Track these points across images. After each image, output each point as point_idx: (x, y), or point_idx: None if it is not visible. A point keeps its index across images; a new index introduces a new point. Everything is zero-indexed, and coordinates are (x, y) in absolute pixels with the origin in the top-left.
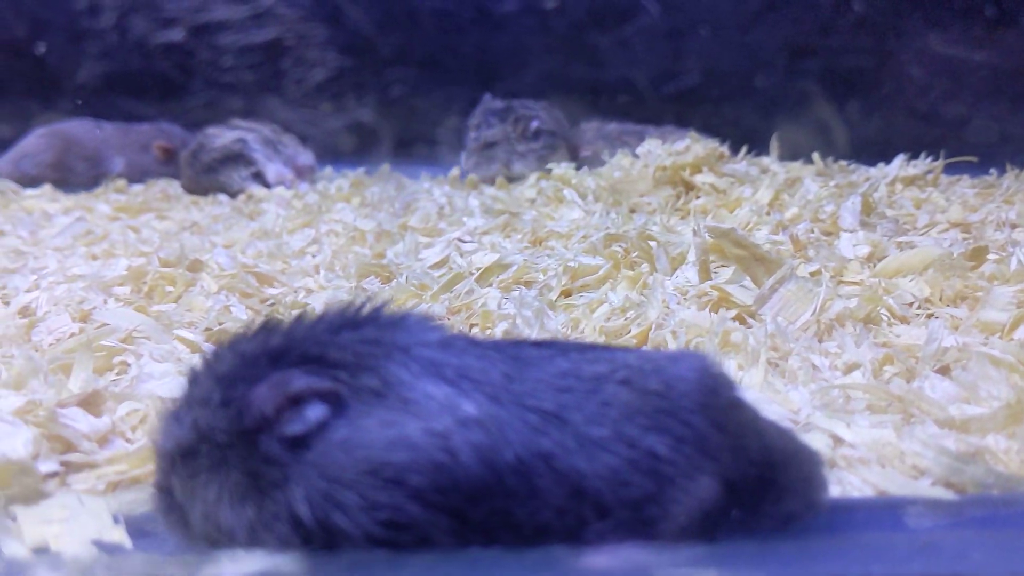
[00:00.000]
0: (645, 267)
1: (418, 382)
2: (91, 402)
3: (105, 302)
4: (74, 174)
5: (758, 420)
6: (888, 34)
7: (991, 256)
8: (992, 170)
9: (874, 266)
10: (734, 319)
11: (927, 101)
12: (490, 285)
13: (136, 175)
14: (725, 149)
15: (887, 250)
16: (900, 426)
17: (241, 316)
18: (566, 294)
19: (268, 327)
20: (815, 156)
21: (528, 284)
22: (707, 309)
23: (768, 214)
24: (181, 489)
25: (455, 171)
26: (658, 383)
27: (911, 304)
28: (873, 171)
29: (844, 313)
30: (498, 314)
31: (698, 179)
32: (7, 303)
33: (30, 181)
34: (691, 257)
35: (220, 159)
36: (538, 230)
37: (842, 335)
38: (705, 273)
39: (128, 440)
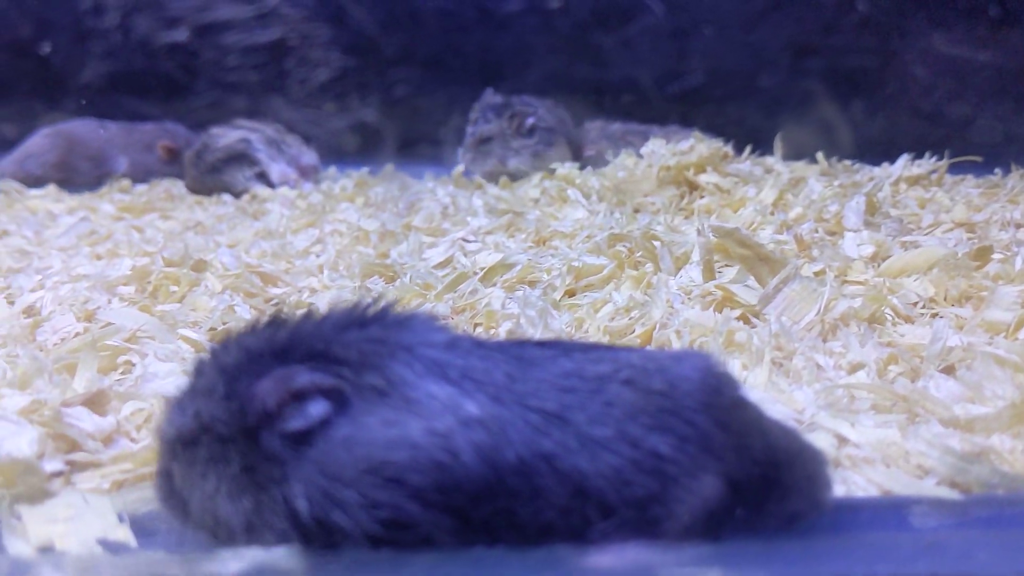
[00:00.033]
0: (649, 267)
1: (421, 382)
2: (96, 401)
3: (109, 302)
4: (78, 174)
5: (762, 419)
6: (892, 33)
7: (996, 256)
8: (997, 170)
9: (878, 266)
10: (738, 319)
11: (931, 101)
12: (494, 285)
13: (140, 175)
14: (729, 149)
15: (891, 250)
16: (905, 426)
17: (245, 316)
18: (570, 294)
19: (275, 322)
20: (819, 156)
21: (532, 284)
22: (711, 309)
23: (772, 214)
24: (181, 477)
25: (459, 170)
26: (662, 383)
27: (915, 304)
28: (877, 171)
29: (848, 313)
30: (502, 314)
31: (702, 179)
32: (12, 303)
33: (34, 181)
34: (695, 257)
35: (224, 159)
36: (542, 230)
37: (846, 335)
38: (709, 273)
39: (133, 439)
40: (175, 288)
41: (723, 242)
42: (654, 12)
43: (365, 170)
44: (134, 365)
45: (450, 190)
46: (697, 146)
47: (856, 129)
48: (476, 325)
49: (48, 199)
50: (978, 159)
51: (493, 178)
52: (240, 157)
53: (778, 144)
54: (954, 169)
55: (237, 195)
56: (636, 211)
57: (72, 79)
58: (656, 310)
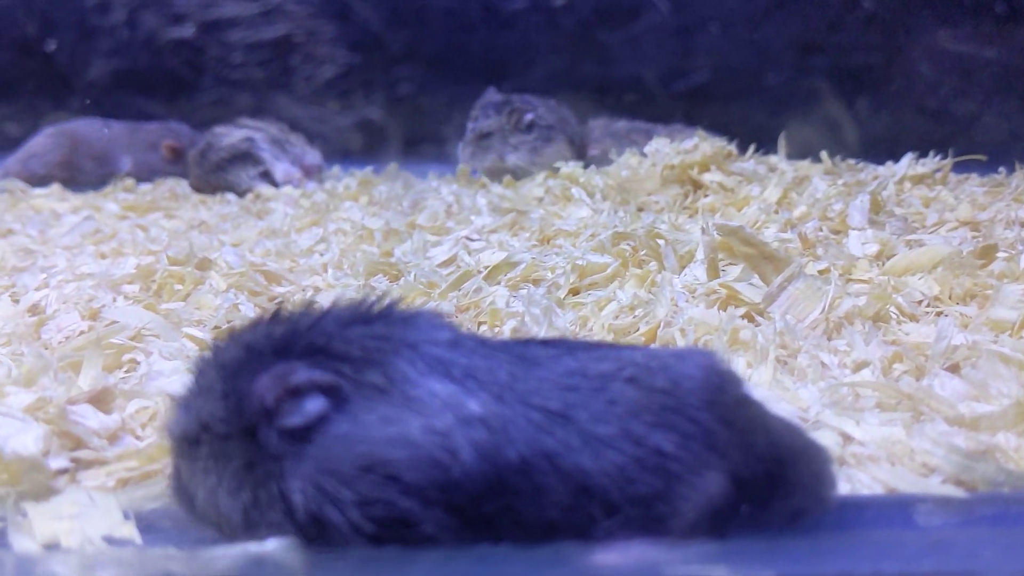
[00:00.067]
0: (653, 265)
1: (423, 379)
2: (101, 399)
3: (114, 300)
4: (82, 173)
5: (766, 416)
6: (897, 31)
7: (1000, 254)
8: (1001, 168)
9: (883, 264)
10: (743, 317)
11: (936, 99)
12: (498, 283)
13: (144, 174)
14: (733, 148)
15: (896, 248)
16: (910, 424)
17: (250, 314)
18: (574, 292)
19: (275, 319)
20: (823, 155)
21: (536, 282)
22: (716, 307)
23: (776, 212)
24: (187, 474)
25: (464, 168)
26: (665, 381)
27: (920, 302)
28: (881, 169)
29: (853, 311)
30: (506, 312)
31: (706, 178)
32: (17, 301)
33: (39, 180)
34: (699, 255)
35: (228, 158)
36: (546, 228)
37: (851, 333)
38: (713, 271)
39: (138, 437)
40: (179, 286)
41: (727, 240)
42: (659, 10)
43: (369, 169)
44: (139, 363)
45: (454, 189)
46: (701, 145)
47: (861, 127)
48: (480, 323)
49: (52, 198)
50: (982, 158)
51: (494, 175)
52: (244, 156)
53: (782, 143)
54: (958, 168)
55: (241, 194)
56: (640, 210)
57: (77, 77)
58: (660, 308)
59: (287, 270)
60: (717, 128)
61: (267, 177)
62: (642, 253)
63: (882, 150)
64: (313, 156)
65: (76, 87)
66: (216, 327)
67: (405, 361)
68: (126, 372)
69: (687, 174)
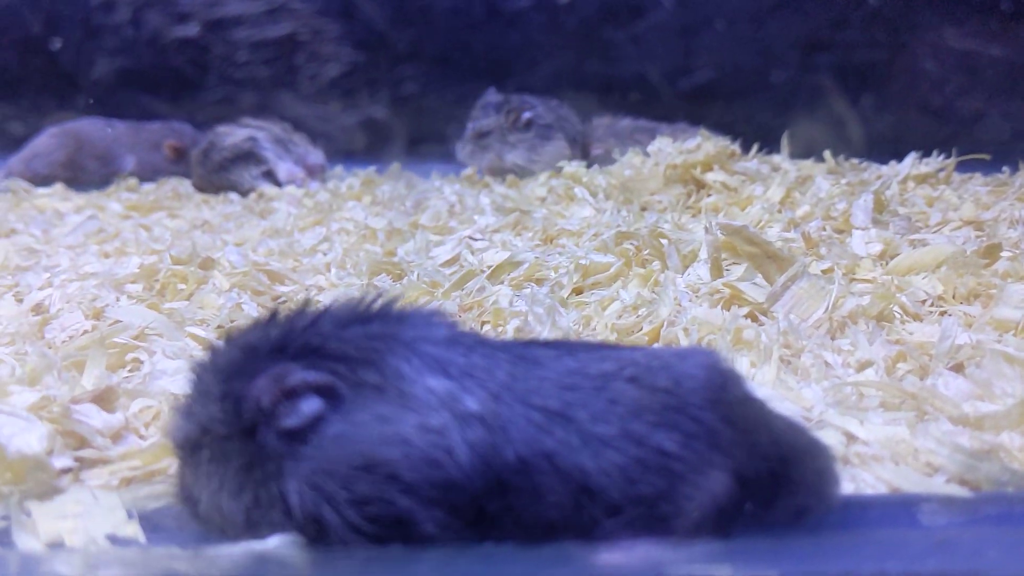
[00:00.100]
0: (656, 265)
1: (420, 377)
2: (104, 398)
3: (118, 299)
4: (86, 173)
5: (768, 415)
6: (901, 29)
7: (1004, 253)
8: (1005, 168)
9: (886, 264)
10: (746, 316)
11: (940, 97)
12: (501, 283)
13: (147, 174)
14: (736, 147)
15: (899, 248)
16: (914, 423)
17: (253, 313)
18: (578, 291)
19: (271, 320)
20: (827, 154)
21: (539, 282)
22: (719, 306)
23: (780, 212)
24: (190, 477)
25: (469, 170)
26: (667, 380)
27: (924, 301)
28: (885, 169)
29: (857, 310)
30: (510, 311)
31: (709, 177)
32: (20, 301)
33: (42, 180)
34: (703, 255)
35: (231, 158)
36: (549, 228)
37: (855, 332)
38: (717, 270)
39: (141, 436)
40: (183, 286)
41: (731, 240)
42: (663, 9)
43: (372, 168)
44: (142, 362)
45: (457, 188)
46: (704, 144)
47: (864, 126)
48: (484, 323)
49: (56, 198)
50: (986, 157)
51: (495, 174)
52: (247, 156)
53: (785, 142)
54: (962, 167)
55: (244, 194)
56: (643, 209)
57: (81, 76)
58: (664, 308)
59: (290, 270)
60: (720, 127)
61: (270, 177)
62: (645, 253)
63: (886, 149)
64: (316, 156)
65: (80, 86)
66: (219, 326)
67: (401, 359)
68: (129, 371)
69: (690, 173)
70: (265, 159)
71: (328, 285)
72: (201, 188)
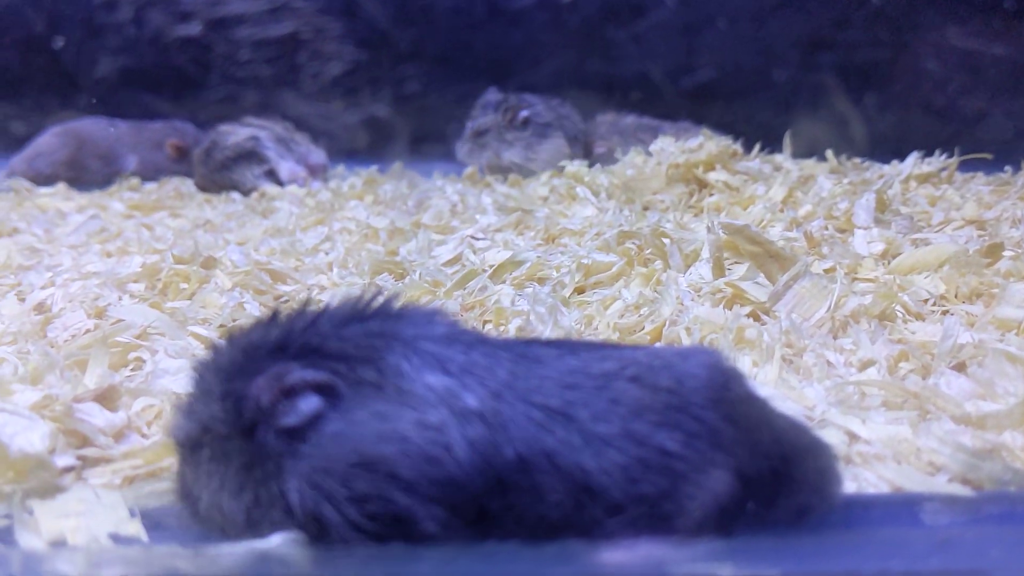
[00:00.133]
0: (659, 264)
1: (418, 374)
2: (107, 397)
3: (120, 299)
4: (88, 172)
5: (770, 413)
6: (903, 28)
7: (1007, 253)
8: (1007, 167)
9: (889, 263)
10: (748, 316)
11: (942, 96)
12: (503, 282)
13: (149, 173)
14: (738, 147)
15: (902, 247)
16: (916, 422)
17: (255, 313)
18: (579, 291)
19: (272, 320)
20: (829, 153)
21: (541, 281)
22: (721, 306)
23: (782, 211)
24: (190, 477)
25: (471, 169)
26: (669, 379)
27: (926, 301)
28: (887, 168)
29: (859, 310)
30: (511, 311)
31: (711, 177)
32: (23, 300)
33: (44, 179)
34: (705, 254)
35: (233, 157)
36: (551, 227)
37: (857, 332)
38: (719, 270)
39: (144, 435)
40: (185, 285)
41: (733, 239)
42: (665, 7)
43: (374, 168)
44: (144, 361)
45: (459, 188)
46: (706, 144)
47: (866, 125)
48: (485, 322)
49: (58, 197)
50: (988, 156)
51: (494, 173)
52: (249, 155)
53: (787, 142)
54: (964, 166)
55: (246, 193)
56: (645, 209)
57: (83, 75)
58: (666, 307)
59: (292, 269)
60: (722, 126)
61: (272, 176)
62: (647, 252)
63: (888, 148)
64: (318, 155)
65: (82, 85)
66: (221, 325)
67: (400, 357)
68: (132, 370)
69: (692, 173)
70: (267, 158)
71: (330, 284)
72: (203, 187)
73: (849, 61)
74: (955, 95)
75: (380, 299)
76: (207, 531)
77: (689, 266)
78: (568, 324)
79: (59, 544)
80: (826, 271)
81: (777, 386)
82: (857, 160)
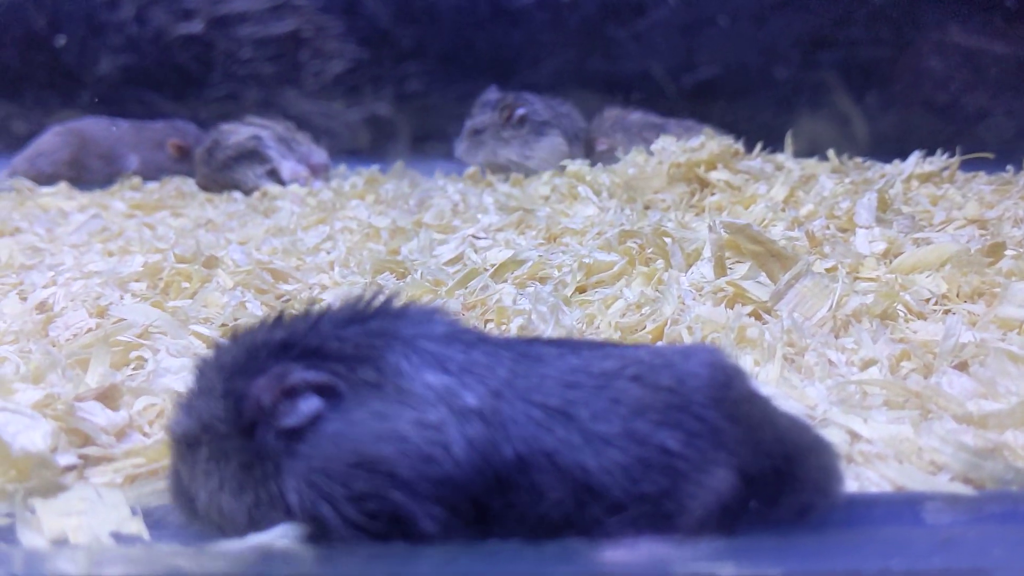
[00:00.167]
0: (660, 263)
1: (418, 373)
2: (108, 396)
3: (121, 298)
4: (89, 172)
5: (772, 412)
6: (905, 27)
7: (1008, 252)
8: (1009, 166)
9: (890, 262)
10: (750, 315)
11: (944, 96)
12: (505, 281)
13: (151, 172)
14: (740, 146)
15: (903, 246)
16: (918, 422)
17: (257, 312)
18: (581, 290)
19: (276, 321)
20: (830, 153)
21: (543, 280)
22: (723, 305)
23: (783, 211)
24: (187, 475)
25: (472, 168)
26: (670, 379)
27: (928, 300)
28: (889, 168)
29: (860, 309)
30: (513, 310)
31: (713, 176)
32: (25, 299)
33: (46, 179)
34: (706, 253)
35: (235, 156)
36: (552, 227)
37: (859, 331)
38: (721, 269)
39: (145, 434)
40: (187, 284)
41: (734, 238)
42: (666, 6)
43: (375, 167)
44: (146, 360)
45: (460, 187)
46: (707, 143)
47: (868, 125)
48: (487, 321)
49: (60, 196)
50: (990, 156)
51: (494, 171)
52: (251, 154)
53: (789, 141)
54: (966, 166)
55: (248, 192)
56: (647, 208)
57: (85, 74)
58: (667, 306)
59: (294, 268)
60: (724, 125)
61: (274, 175)
62: (649, 251)
63: (889, 148)
64: (319, 155)
65: (84, 84)
66: (223, 324)
67: (400, 356)
68: (133, 369)
69: (694, 172)
70: (269, 158)
71: (332, 283)
72: (205, 187)
73: (851, 60)
74: (957, 94)
75: (381, 298)
76: (201, 528)
77: (691, 265)
78: (570, 323)
79: (61, 543)
80: (828, 270)
81: (779, 385)
82: (859, 159)
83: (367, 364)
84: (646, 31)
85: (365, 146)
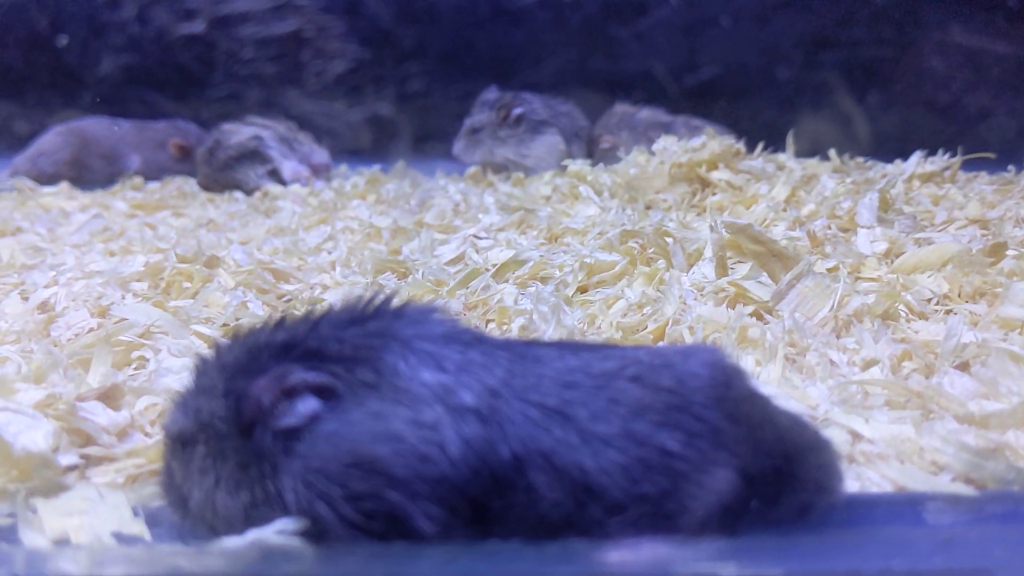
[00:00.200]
0: (661, 263)
1: (415, 373)
2: (110, 396)
3: (123, 298)
4: (91, 172)
5: (773, 411)
6: (907, 27)
7: (1010, 252)
8: (1010, 166)
9: (892, 262)
10: (751, 315)
11: (945, 96)
12: (506, 281)
13: (152, 172)
14: (741, 146)
15: (905, 246)
16: (919, 422)
17: (258, 312)
18: (582, 290)
19: (277, 323)
20: (832, 153)
21: (544, 280)
22: (724, 305)
23: (785, 210)
24: (180, 472)
25: (474, 168)
26: (670, 379)
27: (929, 300)
28: (890, 167)
29: (862, 309)
30: (514, 310)
31: (714, 176)
32: (26, 299)
33: (47, 179)
34: (708, 253)
35: (236, 156)
36: (554, 226)
37: (860, 331)
38: (722, 269)
39: (147, 434)
40: (188, 284)
41: (736, 238)
42: (667, 6)
43: (377, 167)
44: (148, 360)
45: (461, 187)
46: (709, 143)
47: (870, 124)
48: (488, 321)
49: (61, 196)
50: (991, 156)
51: (494, 171)
52: (252, 154)
53: (790, 141)
54: (967, 166)
55: (249, 192)
56: (648, 208)
57: (86, 74)
58: (669, 306)
59: (295, 268)
60: (725, 125)
61: (275, 175)
62: (650, 251)
63: (891, 147)
64: (321, 155)
65: (86, 84)
66: (224, 324)
67: (397, 356)
68: (135, 369)
69: (695, 172)
70: (270, 158)
71: (333, 283)
72: (206, 187)
73: (852, 60)
74: (958, 94)
75: (379, 299)
76: (195, 526)
77: (692, 265)
78: (571, 323)
79: (62, 542)
80: (829, 270)
81: (780, 385)
82: (860, 159)
83: (365, 365)
84: (648, 31)
85: (366, 146)
